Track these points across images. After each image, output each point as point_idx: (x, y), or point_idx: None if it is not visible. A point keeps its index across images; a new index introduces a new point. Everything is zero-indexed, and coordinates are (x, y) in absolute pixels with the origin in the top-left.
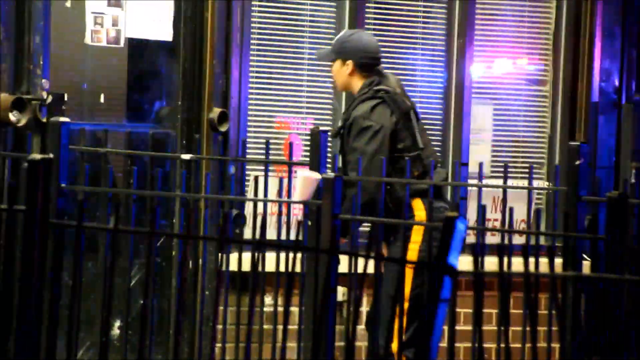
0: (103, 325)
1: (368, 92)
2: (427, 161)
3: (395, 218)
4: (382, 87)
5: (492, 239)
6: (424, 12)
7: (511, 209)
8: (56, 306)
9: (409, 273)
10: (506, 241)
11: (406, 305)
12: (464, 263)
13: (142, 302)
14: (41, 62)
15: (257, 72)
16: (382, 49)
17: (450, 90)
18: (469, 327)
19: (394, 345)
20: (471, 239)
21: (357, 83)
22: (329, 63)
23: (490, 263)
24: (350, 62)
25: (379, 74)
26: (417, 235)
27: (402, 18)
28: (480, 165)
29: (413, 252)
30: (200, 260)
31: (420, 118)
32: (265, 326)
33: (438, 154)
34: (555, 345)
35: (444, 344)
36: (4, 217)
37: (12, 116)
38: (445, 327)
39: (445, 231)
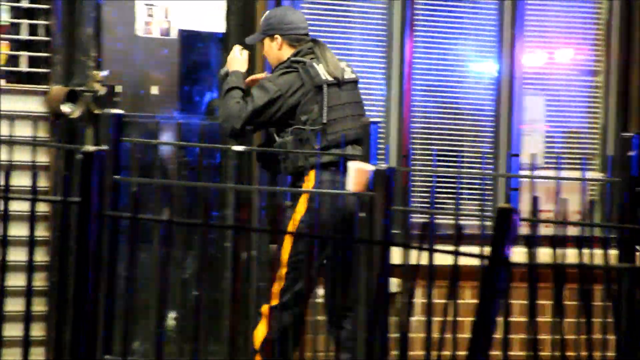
0: (158, 317)
1: (286, 62)
2: (333, 136)
3: (294, 187)
4: (298, 58)
5: (545, 230)
6: (473, 2)
7: (564, 200)
8: (112, 297)
9: (288, 240)
10: (560, 233)
11: (284, 270)
12: (517, 255)
13: (196, 293)
14: (94, 54)
15: None
16: (433, 41)
17: (501, 81)
18: (523, 319)
19: (266, 307)
20: (524, 230)
21: (287, 56)
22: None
23: (544, 254)
24: (277, 36)
25: (310, 45)
26: (301, 206)
27: (453, 9)
28: (533, 156)
29: (294, 222)
30: (254, 252)
31: (357, 95)
32: (319, 317)
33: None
34: (611, 337)
35: (498, 335)
36: (59, 209)
37: (66, 108)
38: (500, 319)
39: (498, 222)
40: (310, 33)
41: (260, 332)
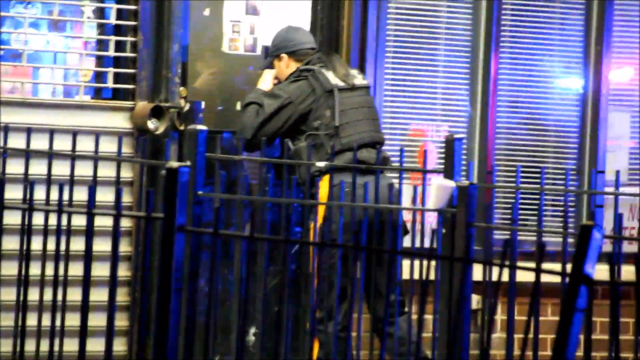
0: (239, 332)
1: (295, 72)
2: (347, 139)
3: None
4: (307, 67)
5: (629, 247)
6: (561, 17)
7: None
8: (193, 312)
9: (311, 250)
10: None
11: (315, 282)
12: (600, 272)
13: (277, 309)
14: (179, 70)
15: (392, 79)
16: (519, 57)
17: (587, 97)
18: (606, 337)
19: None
20: (608, 247)
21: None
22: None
23: (627, 272)
24: (283, 55)
25: (319, 55)
26: (320, 212)
27: (539, 24)
28: (617, 173)
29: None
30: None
31: (370, 100)
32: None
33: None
34: None
35: (580, 352)
36: (142, 224)
37: (151, 124)
38: (582, 337)
39: (580, 239)
40: (396, 48)
41: (315, 349)
